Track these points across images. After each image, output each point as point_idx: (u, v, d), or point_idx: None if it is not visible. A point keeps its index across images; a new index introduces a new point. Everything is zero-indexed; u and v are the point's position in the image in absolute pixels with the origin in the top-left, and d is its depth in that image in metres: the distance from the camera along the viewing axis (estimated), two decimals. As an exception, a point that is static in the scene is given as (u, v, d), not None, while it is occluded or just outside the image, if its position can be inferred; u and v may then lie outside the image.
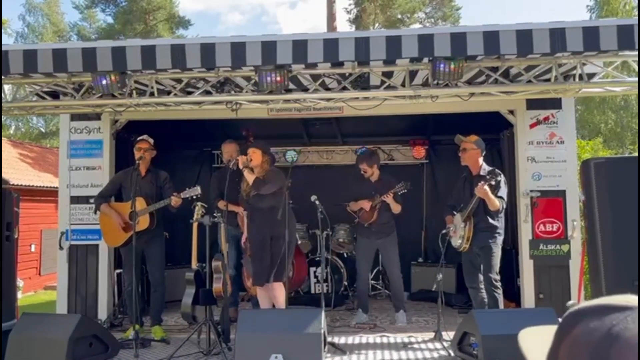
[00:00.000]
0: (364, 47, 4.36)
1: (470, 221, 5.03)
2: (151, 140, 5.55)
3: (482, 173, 5.10)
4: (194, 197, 5.27)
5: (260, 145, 5.32)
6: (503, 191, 5.03)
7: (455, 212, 5.24)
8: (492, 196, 4.85)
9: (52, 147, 20.09)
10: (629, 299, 0.63)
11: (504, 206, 5.05)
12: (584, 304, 0.65)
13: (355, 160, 6.34)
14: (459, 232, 5.10)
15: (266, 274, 5.06)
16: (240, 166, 5.14)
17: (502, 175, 5.04)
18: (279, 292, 5.10)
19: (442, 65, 4.44)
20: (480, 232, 5.01)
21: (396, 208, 5.87)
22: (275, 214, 4.93)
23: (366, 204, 5.94)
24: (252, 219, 5.19)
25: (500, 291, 5.02)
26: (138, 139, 5.57)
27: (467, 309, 5.56)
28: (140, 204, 5.26)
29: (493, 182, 4.86)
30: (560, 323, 0.66)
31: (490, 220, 5.01)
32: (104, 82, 4.70)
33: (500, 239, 5.07)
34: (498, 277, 5.03)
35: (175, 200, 5.23)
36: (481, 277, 5.10)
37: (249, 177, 5.15)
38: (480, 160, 5.18)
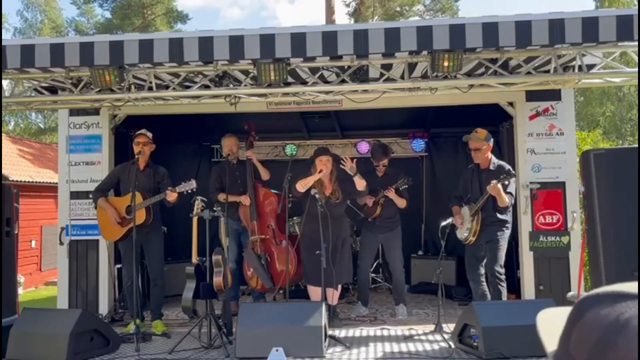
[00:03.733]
0: (362, 40, 4.34)
1: (478, 215, 5.02)
2: (150, 134, 5.53)
3: (491, 167, 5.10)
4: (190, 191, 5.25)
5: (333, 155, 5.69)
6: (512, 187, 5.03)
7: (462, 204, 5.23)
8: (503, 194, 4.84)
9: (52, 143, 20.07)
10: (634, 286, 0.63)
11: (512, 202, 5.06)
12: (597, 290, 0.65)
13: (373, 154, 6.25)
14: (466, 225, 5.10)
15: (335, 276, 5.22)
16: (322, 173, 5.37)
17: (512, 171, 5.05)
18: (337, 293, 5.57)
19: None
20: (488, 227, 5.02)
21: (401, 203, 5.86)
22: (344, 220, 5.58)
23: (369, 200, 5.94)
24: (327, 224, 5.14)
25: (504, 284, 5.03)
26: (137, 133, 5.56)
27: (467, 301, 5.57)
28: (137, 198, 5.25)
29: (506, 182, 4.85)
30: (573, 308, 0.66)
31: (499, 215, 5.00)
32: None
33: (508, 232, 5.08)
34: (502, 271, 5.03)
35: (170, 195, 5.20)
36: (482, 270, 5.10)
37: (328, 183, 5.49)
38: (489, 153, 5.18)
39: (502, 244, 5.00)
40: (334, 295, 5.48)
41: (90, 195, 5.78)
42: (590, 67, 4.93)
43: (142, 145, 5.43)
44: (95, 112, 6.22)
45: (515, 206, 6.02)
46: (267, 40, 4.42)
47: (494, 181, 4.81)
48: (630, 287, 0.63)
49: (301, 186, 5.32)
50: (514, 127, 6.07)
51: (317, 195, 5.11)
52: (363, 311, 6.03)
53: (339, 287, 5.67)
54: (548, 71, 4.99)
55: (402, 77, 4.96)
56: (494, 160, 5.18)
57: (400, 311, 6.01)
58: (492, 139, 5.22)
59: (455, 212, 5.27)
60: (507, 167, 5.10)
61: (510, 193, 4.98)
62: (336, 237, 5.26)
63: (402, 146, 8.37)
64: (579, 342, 0.63)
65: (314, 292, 5.45)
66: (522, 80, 5.08)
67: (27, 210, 11.66)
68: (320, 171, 5.32)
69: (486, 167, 5.14)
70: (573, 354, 0.63)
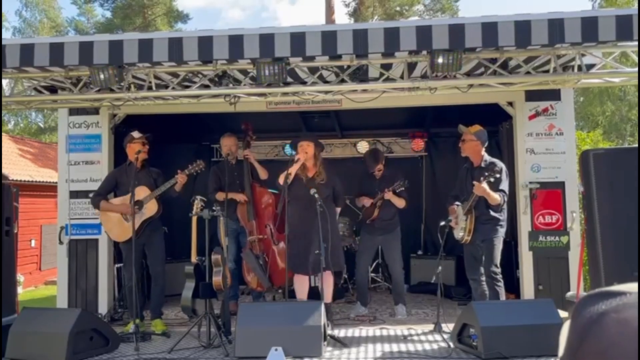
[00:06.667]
0: (362, 40, 4.34)
1: (471, 214, 5.01)
2: (147, 135, 5.55)
3: (482, 165, 5.06)
4: (199, 170, 5.40)
5: (312, 138, 5.48)
6: (504, 184, 4.99)
7: (458, 203, 5.22)
8: (491, 193, 4.81)
9: (52, 143, 20.07)
10: (629, 286, 0.64)
11: (505, 199, 5.03)
12: (592, 291, 0.66)
13: (366, 163, 6.20)
14: (460, 224, 5.08)
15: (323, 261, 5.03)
16: (301, 161, 5.25)
17: (503, 169, 5.01)
18: (332, 281, 5.37)
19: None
20: (482, 225, 4.99)
21: (399, 203, 5.85)
22: (330, 205, 5.22)
23: (367, 201, 5.94)
24: (311, 208, 5.04)
25: (501, 284, 5.01)
26: (133, 135, 5.55)
27: (467, 301, 5.57)
28: (144, 191, 5.31)
29: (492, 180, 4.83)
30: (572, 312, 0.68)
31: (492, 213, 4.98)
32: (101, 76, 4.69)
33: (502, 230, 5.06)
34: (498, 270, 5.02)
35: (181, 177, 5.29)
36: (482, 269, 5.10)
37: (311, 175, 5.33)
38: (482, 151, 5.13)
39: (496, 244, 4.98)
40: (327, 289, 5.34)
41: (89, 201, 5.75)
42: (590, 67, 4.93)
43: (141, 146, 5.46)
44: (95, 111, 6.22)
45: (514, 206, 6.04)
46: (267, 40, 4.43)
47: (476, 182, 4.79)
48: (625, 287, 0.64)
49: (282, 178, 5.24)
50: (514, 127, 6.07)
51: (316, 195, 5.09)
52: (362, 311, 6.03)
53: (332, 282, 5.49)
54: (547, 71, 4.98)
55: (402, 77, 4.97)
56: (486, 157, 5.14)
57: (400, 311, 6.01)
58: (485, 138, 5.14)
59: (450, 212, 5.25)
60: (499, 165, 5.02)
61: (502, 190, 4.94)
62: (323, 223, 4.96)
63: (401, 146, 8.38)
64: (568, 341, 0.64)
65: (297, 280, 5.41)
66: (521, 80, 5.08)
67: (26, 209, 11.66)
68: (298, 159, 5.26)
69: (478, 164, 5.12)
70: (565, 353, 0.64)
